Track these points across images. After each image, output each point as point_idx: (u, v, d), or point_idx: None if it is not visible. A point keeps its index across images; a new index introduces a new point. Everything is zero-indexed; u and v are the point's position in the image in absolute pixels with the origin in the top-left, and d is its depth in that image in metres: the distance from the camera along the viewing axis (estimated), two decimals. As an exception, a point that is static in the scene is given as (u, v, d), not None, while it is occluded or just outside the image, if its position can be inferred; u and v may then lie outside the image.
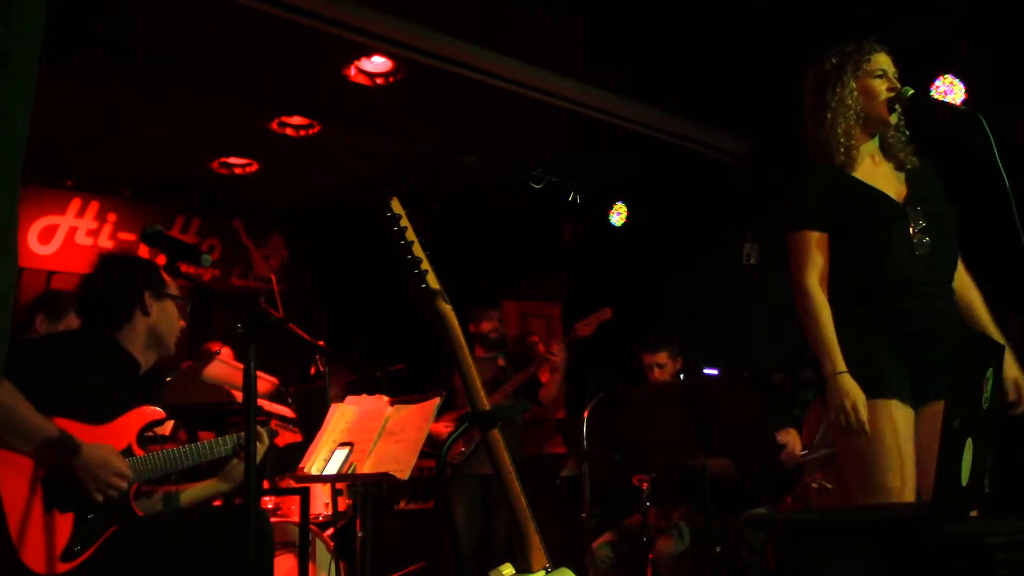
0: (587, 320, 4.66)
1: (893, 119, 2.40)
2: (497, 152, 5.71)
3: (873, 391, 2.20)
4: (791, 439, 3.92)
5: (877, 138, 2.45)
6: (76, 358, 2.45)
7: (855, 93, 2.38)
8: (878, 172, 2.41)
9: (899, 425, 2.18)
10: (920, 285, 2.28)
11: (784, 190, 2.45)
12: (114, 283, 2.58)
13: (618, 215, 6.11)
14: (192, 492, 2.66)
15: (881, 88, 2.38)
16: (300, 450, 3.06)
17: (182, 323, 2.71)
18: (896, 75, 2.43)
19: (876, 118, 2.39)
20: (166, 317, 2.61)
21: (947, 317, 2.31)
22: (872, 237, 2.30)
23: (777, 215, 2.46)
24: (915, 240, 2.29)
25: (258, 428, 2.72)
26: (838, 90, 2.38)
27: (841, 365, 2.21)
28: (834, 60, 2.42)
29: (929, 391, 2.24)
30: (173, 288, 2.65)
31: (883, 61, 2.42)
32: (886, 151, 2.46)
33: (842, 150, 2.35)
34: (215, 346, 4.90)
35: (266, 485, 3.88)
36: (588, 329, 4.65)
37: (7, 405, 2.14)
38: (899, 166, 2.44)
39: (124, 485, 2.30)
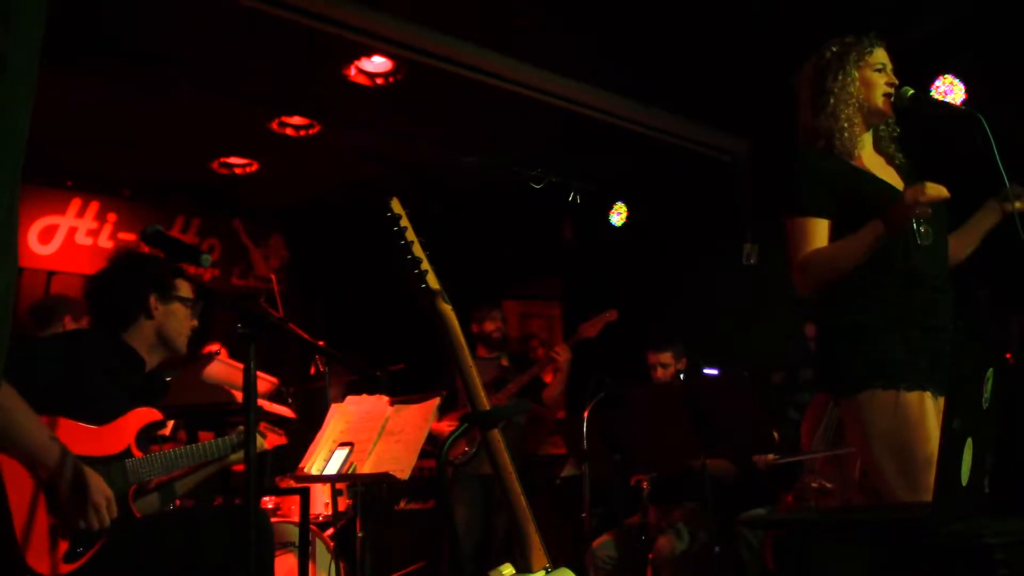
0: (592, 321, 4.65)
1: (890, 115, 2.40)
2: (497, 152, 5.71)
3: (910, 383, 2.13)
4: (765, 456, 3.96)
5: (871, 131, 2.44)
6: (79, 357, 2.45)
7: (857, 83, 2.35)
8: (875, 162, 2.40)
9: (934, 419, 2.12)
10: (927, 278, 2.26)
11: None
12: (120, 285, 2.58)
13: (618, 215, 6.12)
14: (187, 481, 2.66)
15: (881, 82, 2.37)
16: (301, 448, 3.06)
17: (193, 323, 2.69)
18: (892, 71, 2.42)
19: (876, 111, 2.38)
20: (173, 319, 2.61)
21: (950, 310, 2.30)
22: None
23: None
24: (921, 231, 2.27)
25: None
26: (840, 78, 2.34)
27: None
28: (835, 49, 2.40)
29: (942, 384, 2.21)
30: (182, 290, 2.64)
31: (883, 56, 2.41)
32: (876, 145, 2.45)
33: (846, 136, 2.32)
34: (213, 346, 4.90)
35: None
36: (593, 330, 4.62)
37: (7, 409, 2.13)
38: (888, 161, 2.44)
39: (106, 520, 2.24)
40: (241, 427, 2.69)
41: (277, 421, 3.04)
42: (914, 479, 2.08)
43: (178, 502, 2.76)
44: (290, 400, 4.18)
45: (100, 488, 2.24)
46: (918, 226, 2.27)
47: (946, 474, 1.58)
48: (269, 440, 2.88)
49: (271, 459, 3.09)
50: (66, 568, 2.19)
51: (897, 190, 2.34)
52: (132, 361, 2.57)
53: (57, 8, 1.19)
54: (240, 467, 2.70)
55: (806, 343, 4.20)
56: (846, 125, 2.33)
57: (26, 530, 2.15)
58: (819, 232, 2.26)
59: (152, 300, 2.57)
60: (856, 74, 2.36)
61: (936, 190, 2.05)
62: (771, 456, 3.92)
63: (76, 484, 2.19)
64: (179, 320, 2.63)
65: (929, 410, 2.14)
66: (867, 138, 2.42)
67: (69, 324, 3.54)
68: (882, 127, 2.45)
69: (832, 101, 2.34)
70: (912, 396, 2.13)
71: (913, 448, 2.10)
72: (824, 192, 2.27)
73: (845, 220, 2.27)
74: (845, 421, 2.35)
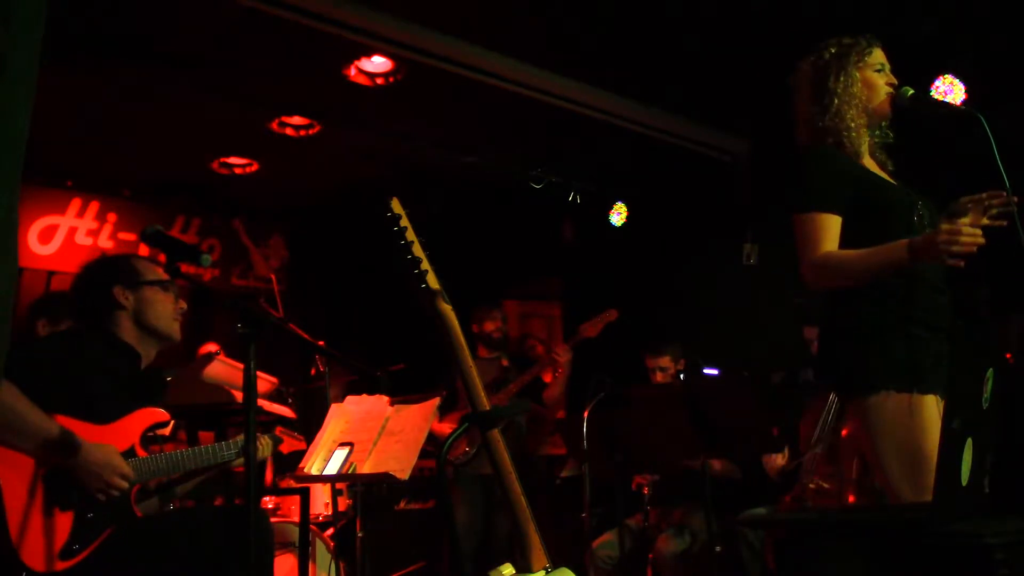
0: (593, 321, 4.65)
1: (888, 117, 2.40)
2: (497, 152, 5.71)
3: (923, 386, 2.13)
4: (777, 456, 3.95)
5: (868, 135, 2.44)
6: (79, 357, 2.45)
7: (859, 84, 2.34)
8: (873, 167, 2.40)
9: (938, 421, 2.13)
10: (929, 278, 2.26)
11: (794, 171, 2.34)
12: (85, 286, 2.60)
13: (618, 215, 6.11)
14: (188, 485, 2.67)
15: (881, 82, 2.37)
16: (301, 449, 3.06)
17: (182, 304, 2.67)
18: (890, 71, 2.42)
19: (878, 111, 2.38)
20: (149, 306, 2.58)
21: (949, 310, 2.30)
22: (894, 228, 2.23)
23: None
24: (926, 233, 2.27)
25: (261, 437, 2.72)
26: (842, 79, 2.33)
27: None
28: (833, 49, 2.38)
29: (944, 385, 2.20)
30: (150, 274, 2.61)
31: (881, 56, 2.40)
32: (870, 150, 2.45)
33: (853, 135, 2.31)
34: (213, 346, 4.90)
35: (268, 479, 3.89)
36: (594, 330, 4.63)
37: (9, 405, 2.15)
38: (881, 167, 2.44)
39: (126, 486, 2.30)
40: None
41: (289, 423, 3.04)
42: (922, 481, 2.07)
43: (177, 502, 2.76)
44: (290, 400, 4.19)
45: (113, 463, 2.26)
46: (922, 228, 2.27)
47: (946, 474, 1.58)
48: (286, 445, 2.88)
49: (274, 464, 3.10)
50: (61, 565, 2.20)
51: (901, 191, 2.34)
52: (128, 357, 2.56)
53: (57, 8, 1.19)
54: (241, 468, 2.70)
55: (805, 347, 4.20)
56: (852, 125, 2.32)
57: (21, 526, 2.16)
58: (832, 228, 2.23)
59: (117, 291, 2.55)
60: (857, 75, 2.35)
61: (973, 238, 2.01)
62: (780, 460, 3.91)
63: (85, 463, 2.22)
64: (156, 304, 2.59)
65: (936, 415, 2.14)
66: (867, 139, 2.41)
67: (42, 329, 3.51)
68: (876, 133, 2.45)
69: (836, 102, 2.33)
70: (924, 399, 2.13)
71: (923, 450, 2.09)
72: (836, 188, 2.25)
73: (854, 219, 2.26)
74: (853, 422, 2.34)
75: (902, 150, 2.49)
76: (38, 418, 2.19)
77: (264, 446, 2.75)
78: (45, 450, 2.20)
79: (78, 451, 2.22)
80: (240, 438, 2.64)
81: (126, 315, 2.57)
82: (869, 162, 2.39)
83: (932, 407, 2.13)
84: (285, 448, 2.88)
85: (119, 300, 2.56)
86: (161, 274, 2.62)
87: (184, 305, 2.68)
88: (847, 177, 2.27)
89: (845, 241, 2.24)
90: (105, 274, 2.60)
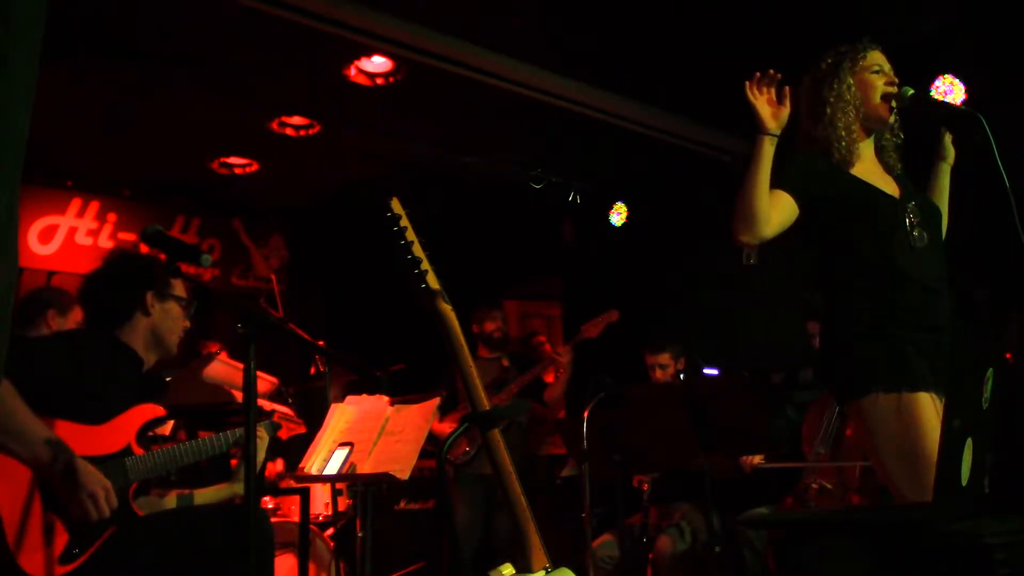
0: (594, 321, 4.66)
1: (891, 119, 2.40)
2: (497, 152, 5.71)
3: (911, 384, 2.15)
4: (755, 457, 3.97)
5: (872, 138, 2.44)
6: (75, 356, 2.44)
7: (853, 88, 2.36)
8: (873, 170, 2.41)
9: (936, 419, 2.13)
10: (921, 278, 2.27)
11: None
12: (117, 281, 2.59)
13: (618, 215, 6.12)
14: (206, 495, 2.66)
15: (879, 83, 2.38)
16: (301, 447, 3.06)
17: (186, 324, 2.70)
18: (891, 72, 2.42)
19: (875, 114, 2.38)
20: (167, 318, 2.61)
21: (947, 311, 2.31)
22: (875, 233, 2.27)
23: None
24: (915, 234, 2.29)
25: (259, 427, 2.71)
26: (835, 86, 2.36)
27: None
28: (830, 60, 2.42)
29: (942, 385, 2.21)
30: (178, 289, 2.65)
31: (879, 58, 2.42)
32: (878, 153, 2.45)
33: (843, 144, 2.33)
34: (214, 346, 4.90)
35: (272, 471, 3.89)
36: (595, 330, 4.64)
37: (7, 405, 2.13)
38: (888, 169, 2.44)
39: (105, 510, 2.24)
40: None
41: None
42: (921, 479, 2.08)
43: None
44: (290, 400, 4.18)
45: (96, 479, 2.23)
46: (911, 228, 2.28)
47: (946, 474, 1.58)
48: (285, 431, 2.88)
49: (269, 454, 3.09)
50: (61, 570, 2.18)
51: (887, 195, 2.34)
52: (131, 360, 2.56)
53: (57, 7, 1.19)
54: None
55: (807, 341, 4.20)
56: (844, 133, 2.34)
57: (19, 532, 2.14)
58: (775, 198, 2.32)
59: (149, 297, 2.57)
60: (851, 80, 2.37)
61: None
62: (758, 458, 3.92)
63: (71, 476, 2.18)
64: (173, 319, 2.63)
65: (931, 410, 2.14)
66: (866, 147, 2.41)
67: (53, 319, 3.52)
68: (886, 136, 2.45)
69: (829, 111, 2.36)
70: (914, 397, 2.14)
71: (918, 449, 2.10)
72: (802, 178, 2.31)
73: (838, 220, 2.30)
74: (851, 423, 2.35)
75: (903, 160, 2.50)
76: (32, 422, 2.16)
77: (260, 439, 2.74)
78: (32, 453, 2.16)
79: (65, 459, 2.18)
80: (238, 430, 2.63)
81: (146, 321, 2.58)
82: (868, 167, 2.40)
83: (925, 405, 2.14)
84: (284, 434, 2.87)
85: (148, 305, 2.57)
86: (182, 291, 2.65)
87: (188, 324, 2.71)
88: (820, 176, 2.31)
89: (832, 241, 2.31)
90: (141, 276, 2.60)
